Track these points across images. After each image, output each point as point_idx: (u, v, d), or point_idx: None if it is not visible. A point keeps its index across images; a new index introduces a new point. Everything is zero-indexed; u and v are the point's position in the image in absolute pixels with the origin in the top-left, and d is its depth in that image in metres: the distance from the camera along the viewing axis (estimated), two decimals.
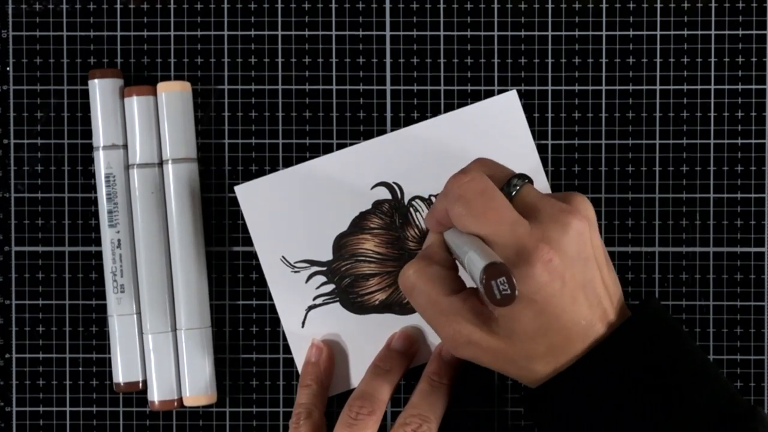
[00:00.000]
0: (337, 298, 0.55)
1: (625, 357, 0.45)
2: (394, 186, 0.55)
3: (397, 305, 0.55)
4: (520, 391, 0.55)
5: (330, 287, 0.55)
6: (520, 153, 0.55)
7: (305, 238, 0.55)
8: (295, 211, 0.55)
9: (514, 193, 0.47)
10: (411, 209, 0.55)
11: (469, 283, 0.49)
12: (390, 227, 0.55)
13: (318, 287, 0.55)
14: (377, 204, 0.55)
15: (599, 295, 0.46)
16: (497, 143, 0.55)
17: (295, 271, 0.55)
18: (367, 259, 0.55)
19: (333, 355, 0.55)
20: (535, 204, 0.46)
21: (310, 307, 0.55)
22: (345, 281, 0.55)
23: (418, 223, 0.55)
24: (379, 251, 0.55)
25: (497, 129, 0.55)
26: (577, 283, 0.45)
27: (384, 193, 0.55)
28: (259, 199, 0.55)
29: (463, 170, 0.47)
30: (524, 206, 0.46)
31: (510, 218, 0.45)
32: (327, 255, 0.55)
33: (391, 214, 0.55)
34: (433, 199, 0.55)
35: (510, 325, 0.45)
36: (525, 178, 0.47)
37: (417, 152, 0.55)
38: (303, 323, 0.55)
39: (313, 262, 0.55)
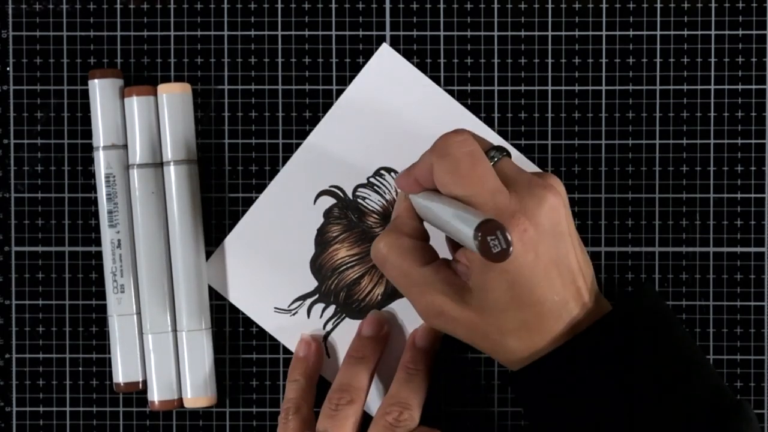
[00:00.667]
0: (344, 314, 0.55)
1: (609, 346, 0.45)
2: (333, 189, 0.55)
3: None
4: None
5: (332, 309, 0.55)
6: (427, 96, 0.55)
7: (283, 279, 0.55)
8: (260, 262, 0.55)
9: (493, 163, 0.47)
10: (359, 199, 0.55)
11: (442, 254, 0.49)
12: (350, 227, 0.55)
13: (321, 315, 0.55)
14: (327, 213, 0.55)
15: (573, 273, 0.46)
16: (402, 98, 0.55)
17: (294, 313, 0.55)
18: (348, 265, 0.55)
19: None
20: (513, 176, 0.46)
21: (325, 337, 0.55)
22: (341, 296, 0.55)
23: (372, 208, 0.55)
24: (354, 252, 0.55)
25: (393, 85, 0.55)
26: (551, 258, 0.45)
27: (328, 200, 0.55)
28: (225, 273, 0.55)
29: (456, 130, 0.47)
30: (502, 177, 0.46)
31: (493, 185, 0.45)
32: (312, 283, 0.55)
33: (345, 215, 0.55)
34: (372, 180, 0.55)
35: (482, 296, 0.45)
36: (504, 151, 0.47)
37: (337, 147, 0.55)
38: (328, 354, 0.55)
39: (304, 296, 0.55)
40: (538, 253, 0.44)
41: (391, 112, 0.55)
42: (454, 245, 0.50)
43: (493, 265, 0.43)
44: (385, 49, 0.55)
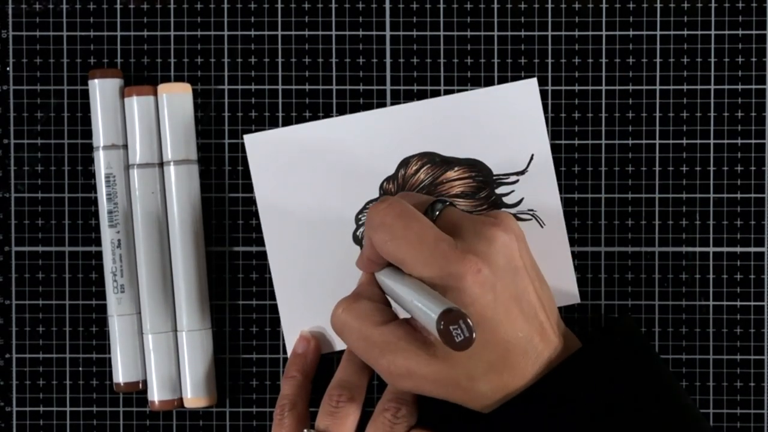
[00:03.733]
0: None
1: (580, 385, 0.45)
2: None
3: None
4: None
5: None
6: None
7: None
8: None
9: (437, 214, 0.47)
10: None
11: (402, 315, 0.48)
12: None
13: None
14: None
15: (534, 307, 0.46)
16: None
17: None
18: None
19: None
20: (460, 222, 0.46)
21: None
22: None
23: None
24: None
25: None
26: (510, 294, 0.45)
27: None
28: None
29: (381, 199, 0.48)
30: (449, 226, 0.46)
31: (433, 236, 0.45)
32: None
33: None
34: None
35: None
36: (446, 202, 0.48)
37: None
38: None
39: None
40: (497, 291, 0.44)
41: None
42: None
43: None
44: (249, 139, 0.55)
